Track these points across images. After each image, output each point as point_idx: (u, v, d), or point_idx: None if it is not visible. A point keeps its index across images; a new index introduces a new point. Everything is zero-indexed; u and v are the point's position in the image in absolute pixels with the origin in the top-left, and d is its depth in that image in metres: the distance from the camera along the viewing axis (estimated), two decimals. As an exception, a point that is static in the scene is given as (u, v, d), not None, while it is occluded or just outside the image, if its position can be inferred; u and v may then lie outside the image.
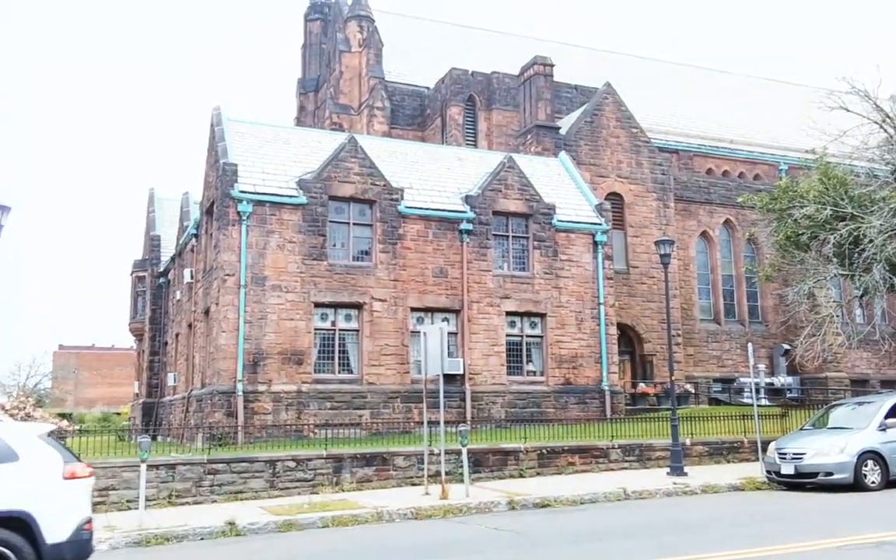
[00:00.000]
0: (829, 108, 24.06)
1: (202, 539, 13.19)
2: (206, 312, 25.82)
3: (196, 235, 28.80)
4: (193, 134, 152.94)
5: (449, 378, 23.24)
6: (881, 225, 21.99)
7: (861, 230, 22.40)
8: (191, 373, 28.19)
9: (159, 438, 26.98)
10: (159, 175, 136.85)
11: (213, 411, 22.72)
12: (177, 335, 32.29)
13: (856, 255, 23.08)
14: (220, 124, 26.42)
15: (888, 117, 24.15)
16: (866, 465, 16.46)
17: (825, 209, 23.23)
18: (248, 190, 24.05)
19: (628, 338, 32.39)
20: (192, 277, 28.93)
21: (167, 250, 37.15)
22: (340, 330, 24.72)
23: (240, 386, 22.64)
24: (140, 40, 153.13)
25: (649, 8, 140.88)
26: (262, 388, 22.98)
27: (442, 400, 17.68)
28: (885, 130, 24.31)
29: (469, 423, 22.76)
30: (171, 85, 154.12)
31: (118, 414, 46.98)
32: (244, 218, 23.78)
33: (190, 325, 28.98)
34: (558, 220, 28.05)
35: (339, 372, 24.43)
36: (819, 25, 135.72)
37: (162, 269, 37.19)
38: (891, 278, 22.83)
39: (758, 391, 26.78)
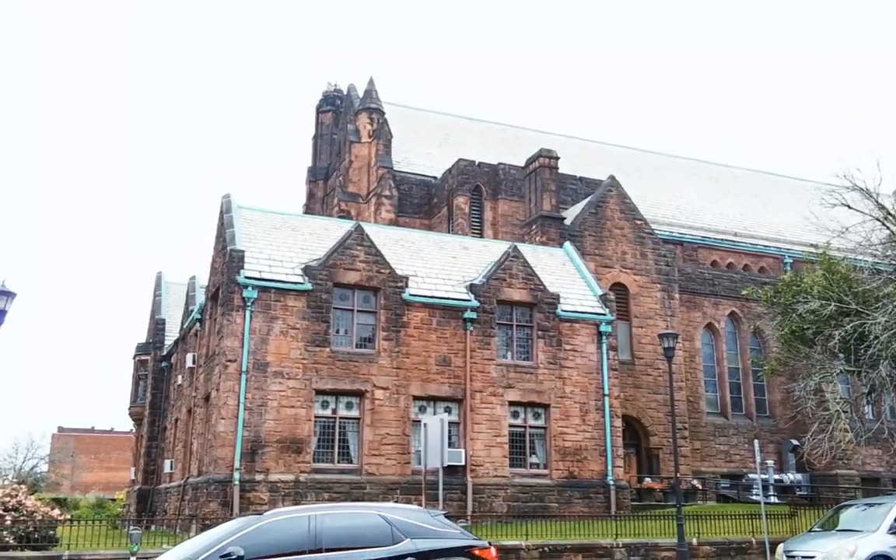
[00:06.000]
0: (830, 205, 24.23)
1: (189, 637, 12.72)
2: (207, 398, 25.64)
3: (200, 320, 28.85)
4: (204, 219, 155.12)
5: (450, 469, 22.84)
6: (886, 321, 21.84)
7: (866, 326, 22.26)
8: (188, 460, 27.82)
9: (153, 528, 26.44)
10: (169, 260, 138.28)
11: (208, 501, 22.30)
12: (176, 420, 32.00)
13: (861, 351, 22.86)
14: (230, 211, 26.77)
15: (890, 215, 24.26)
16: (878, 571, 15.93)
17: (829, 304, 23.15)
18: (254, 276, 24.18)
19: (634, 430, 31.92)
20: (194, 362, 28.85)
21: (172, 334, 37.15)
22: (341, 418, 24.44)
23: (236, 475, 22.28)
24: (154, 125, 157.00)
25: (652, 104, 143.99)
26: (259, 477, 22.60)
27: (441, 493, 17.38)
28: (888, 227, 24.39)
29: (470, 517, 22.25)
30: (187, 172, 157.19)
31: (113, 500, 46.16)
32: (249, 304, 23.83)
33: (189, 411, 28.75)
34: (563, 310, 28.01)
35: (339, 461, 24.05)
36: (819, 121, 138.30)
37: (165, 353, 37.13)
38: (898, 375, 22.57)
39: (766, 488, 26.20)
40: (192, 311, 31.76)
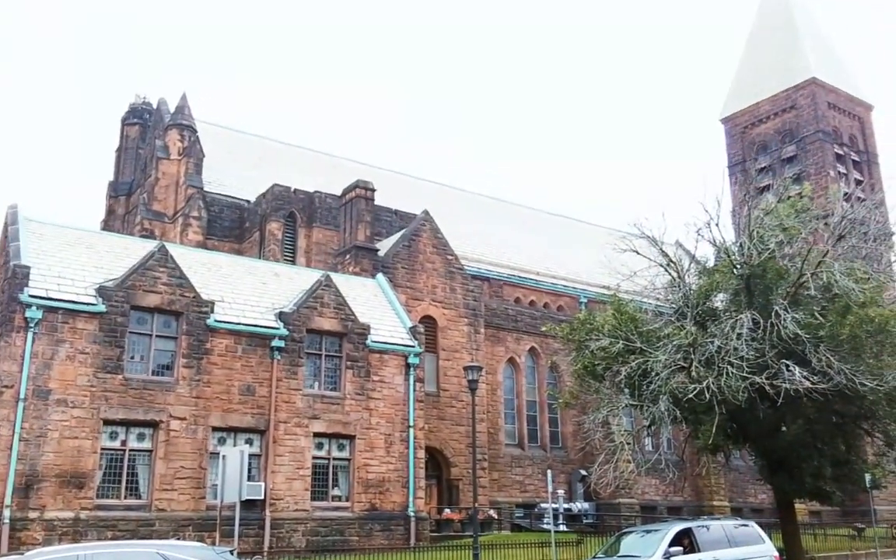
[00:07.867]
0: (622, 250, 26.25)
1: None
2: (-25, 428, 23.07)
3: (-27, 341, 26.01)
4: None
5: (249, 504, 22.07)
6: (666, 360, 23.84)
7: (649, 364, 24.19)
8: (-51, 497, 24.83)
9: None
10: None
11: (-30, 542, 20.02)
12: (-62, 452, 28.49)
13: (644, 386, 24.79)
14: (16, 224, 24.66)
15: (672, 262, 26.63)
16: (652, 593, 17.19)
17: (618, 342, 24.91)
18: (40, 295, 22.34)
19: (436, 461, 32.53)
20: (-38, 387, 25.89)
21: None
22: (131, 450, 22.93)
23: (6, 513, 20.24)
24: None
25: (466, 144, 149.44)
26: (33, 514, 20.65)
27: (237, 528, 16.77)
28: (669, 273, 26.76)
29: (266, 553, 21.59)
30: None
31: None
32: (32, 325, 21.93)
33: (-46, 442, 25.71)
34: (372, 341, 28.13)
35: (127, 497, 22.52)
36: (617, 173, 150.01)
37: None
38: (674, 410, 24.58)
39: (556, 517, 27.56)
40: (-37, 330, 28.58)
